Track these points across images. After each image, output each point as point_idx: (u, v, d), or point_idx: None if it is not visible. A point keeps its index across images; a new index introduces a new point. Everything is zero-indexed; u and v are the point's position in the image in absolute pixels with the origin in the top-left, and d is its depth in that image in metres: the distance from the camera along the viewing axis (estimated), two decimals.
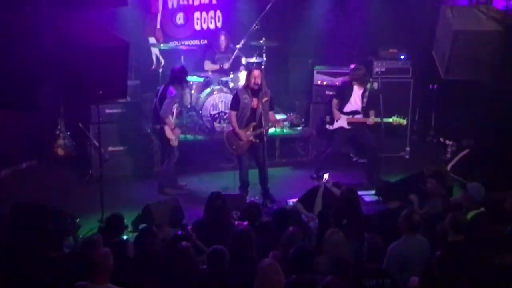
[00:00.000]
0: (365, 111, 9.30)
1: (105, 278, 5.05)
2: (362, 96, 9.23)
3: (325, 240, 5.77)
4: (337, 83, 10.17)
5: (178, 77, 8.94)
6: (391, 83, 10.14)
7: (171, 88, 8.80)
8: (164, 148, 9.18)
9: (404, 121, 9.21)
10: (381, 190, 7.18)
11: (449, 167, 9.16)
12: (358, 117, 9.23)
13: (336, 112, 9.23)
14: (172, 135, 8.87)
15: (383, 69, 10.24)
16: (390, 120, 9.18)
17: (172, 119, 8.95)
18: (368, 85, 9.35)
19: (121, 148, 9.66)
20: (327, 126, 9.38)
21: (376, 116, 9.27)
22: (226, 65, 10.68)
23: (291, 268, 5.24)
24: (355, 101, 9.24)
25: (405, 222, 5.99)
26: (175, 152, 9.05)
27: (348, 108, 9.26)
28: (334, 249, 5.65)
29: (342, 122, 9.22)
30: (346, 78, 9.77)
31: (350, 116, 9.23)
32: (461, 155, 9.43)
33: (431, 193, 7.30)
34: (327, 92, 10.38)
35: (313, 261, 5.41)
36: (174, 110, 9.17)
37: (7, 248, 6.78)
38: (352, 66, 9.53)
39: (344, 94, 9.30)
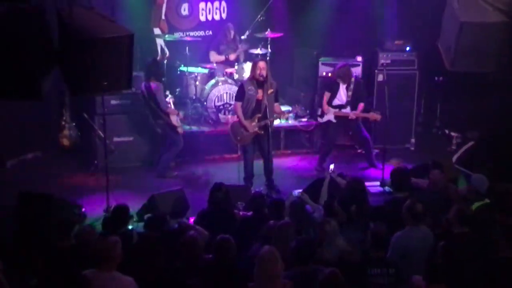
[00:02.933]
0: (352, 103, 9.38)
1: (112, 266, 5.11)
2: (347, 90, 9.33)
3: (320, 229, 5.80)
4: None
5: (152, 71, 9.13)
6: (396, 75, 10.13)
7: (151, 84, 9.03)
8: (170, 140, 9.26)
9: (378, 117, 9.39)
10: (395, 176, 7.13)
11: (454, 159, 9.13)
12: (345, 111, 9.35)
13: (326, 106, 9.37)
14: (178, 121, 9.14)
15: (388, 61, 10.21)
16: (368, 115, 9.35)
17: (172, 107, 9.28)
18: (352, 79, 9.45)
19: (126, 138, 9.67)
20: (318, 119, 9.56)
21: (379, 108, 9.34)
22: (232, 56, 10.70)
23: (294, 259, 5.25)
24: (341, 96, 9.37)
25: (408, 212, 6.00)
26: (180, 142, 9.20)
27: (335, 102, 9.40)
28: (329, 238, 5.67)
29: (329, 115, 9.37)
30: (331, 75, 9.94)
31: (337, 110, 9.35)
32: (466, 147, 9.41)
33: (435, 185, 7.28)
34: None
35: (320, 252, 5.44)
36: (170, 100, 9.42)
37: (14, 237, 6.83)
38: (340, 64, 9.63)
39: (332, 89, 9.42)
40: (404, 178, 7.05)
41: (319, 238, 5.77)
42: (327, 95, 9.39)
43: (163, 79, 9.55)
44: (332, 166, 7.75)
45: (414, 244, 5.87)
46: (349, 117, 9.33)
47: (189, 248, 5.49)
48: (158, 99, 9.05)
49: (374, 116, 9.38)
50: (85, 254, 5.65)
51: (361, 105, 9.38)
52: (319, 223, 5.95)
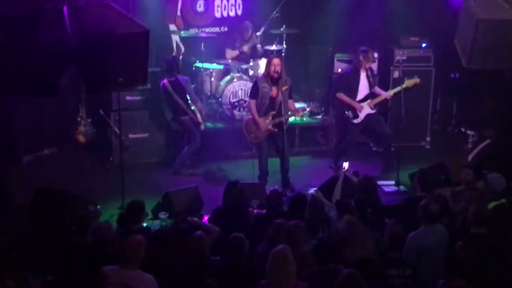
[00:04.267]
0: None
1: (135, 264, 5.19)
2: (368, 77, 9.11)
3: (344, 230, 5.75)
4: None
5: (174, 66, 9.24)
6: (412, 72, 10.00)
7: (180, 77, 9.12)
8: (190, 136, 9.29)
9: (417, 80, 9.09)
10: (422, 178, 7.10)
11: (470, 157, 9.08)
12: (380, 92, 9.15)
13: (356, 104, 9.05)
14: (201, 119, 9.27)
15: (404, 58, 10.13)
16: (404, 85, 8.97)
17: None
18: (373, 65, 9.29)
19: (141, 135, 9.70)
20: (354, 121, 9.12)
21: (395, 105, 9.22)
22: (245, 48, 10.67)
23: (314, 258, 5.24)
24: (364, 85, 9.11)
25: (423, 212, 5.98)
26: (199, 140, 9.26)
27: (360, 96, 9.12)
28: (358, 239, 5.63)
29: (365, 110, 9.10)
30: (349, 67, 9.68)
31: (369, 101, 9.12)
32: (482, 145, 9.34)
33: (464, 182, 7.23)
34: None
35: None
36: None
37: (30, 233, 6.87)
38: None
39: (351, 84, 9.12)
40: (430, 182, 7.00)
41: (346, 238, 5.72)
42: (343, 96, 9.08)
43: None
44: (346, 164, 7.69)
45: (429, 244, 5.85)
46: (388, 98, 9.11)
47: (194, 249, 5.50)
48: (188, 92, 9.14)
49: (411, 82, 9.02)
50: (102, 250, 5.70)
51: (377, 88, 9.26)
52: (348, 223, 5.90)
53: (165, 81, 9.18)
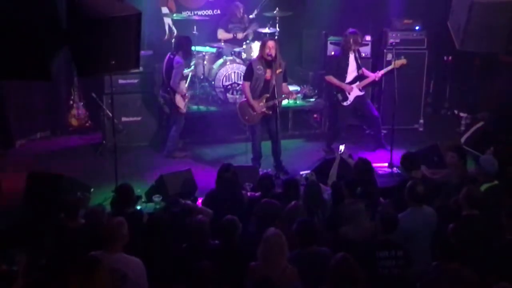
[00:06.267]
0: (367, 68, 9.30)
1: (118, 247, 5.10)
2: (356, 59, 9.09)
3: (343, 210, 5.77)
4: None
5: (183, 46, 9.06)
6: (405, 54, 9.98)
7: (177, 58, 8.94)
8: (174, 116, 9.23)
9: (404, 60, 9.07)
10: (405, 159, 7.12)
11: (463, 139, 9.10)
12: (367, 76, 9.13)
13: (345, 86, 9.05)
14: (182, 102, 9.04)
15: (397, 40, 10.13)
16: (391, 67, 8.98)
17: (184, 85, 9.19)
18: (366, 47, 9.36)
19: (134, 118, 9.68)
20: (345, 104, 9.11)
21: (388, 88, 9.23)
22: (240, 35, 10.64)
23: (297, 241, 5.26)
24: (353, 68, 9.09)
25: (409, 193, 6.00)
26: (182, 120, 9.20)
27: (349, 78, 9.09)
28: (353, 219, 5.66)
29: (354, 92, 9.10)
30: (337, 50, 9.62)
31: (357, 83, 9.11)
32: (475, 127, 9.36)
33: (450, 165, 7.27)
34: None
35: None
36: (187, 75, 9.42)
37: (23, 217, 6.88)
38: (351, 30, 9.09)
39: (341, 67, 9.09)
40: (415, 162, 7.02)
41: (344, 217, 5.73)
42: (332, 79, 9.09)
43: (188, 60, 9.55)
44: (342, 147, 7.69)
45: (416, 226, 5.87)
46: (376, 79, 9.10)
47: (196, 233, 5.51)
48: (173, 74, 8.93)
49: (399, 63, 8.98)
50: (95, 234, 5.69)
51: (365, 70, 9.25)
52: (346, 203, 5.92)
53: (168, 54, 9.12)
